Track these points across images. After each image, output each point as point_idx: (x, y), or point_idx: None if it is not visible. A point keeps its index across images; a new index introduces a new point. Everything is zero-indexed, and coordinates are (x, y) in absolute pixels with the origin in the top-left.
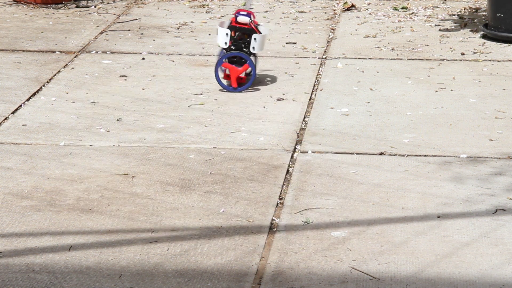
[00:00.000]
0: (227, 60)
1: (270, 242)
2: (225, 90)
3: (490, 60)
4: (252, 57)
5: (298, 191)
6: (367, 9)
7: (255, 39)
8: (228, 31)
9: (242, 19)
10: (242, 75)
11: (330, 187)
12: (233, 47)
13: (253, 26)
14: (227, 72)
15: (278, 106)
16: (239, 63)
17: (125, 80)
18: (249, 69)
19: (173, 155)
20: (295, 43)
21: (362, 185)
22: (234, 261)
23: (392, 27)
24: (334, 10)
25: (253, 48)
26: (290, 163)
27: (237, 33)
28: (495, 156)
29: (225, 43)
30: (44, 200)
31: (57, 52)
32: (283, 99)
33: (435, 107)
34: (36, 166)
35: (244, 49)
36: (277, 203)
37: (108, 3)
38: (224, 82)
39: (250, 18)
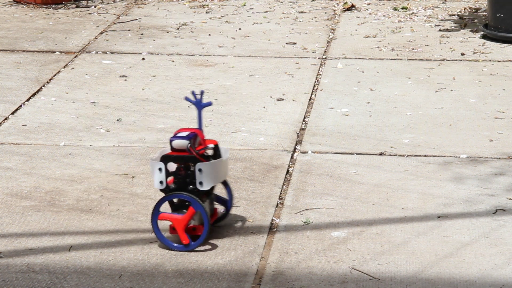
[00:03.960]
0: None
1: (270, 242)
2: (176, 249)
3: (490, 60)
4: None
5: (298, 191)
6: (367, 9)
7: (200, 170)
8: (162, 165)
9: (178, 143)
10: (195, 222)
11: (330, 187)
12: (173, 186)
13: (194, 151)
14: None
15: (278, 106)
16: (184, 207)
17: (125, 80)
18: (199, 213)
19: None
20: (295, 43)
21: (362, 185)
22: (234, 261)
23: (392, 27)
24: (334, 10)
25: (200, 183)
26: (290, 163)
27: (179, 165)
28: (495, 156)
29: (161, 182)
30: (44, 200)
31: (57, 52)
32: (283, 99)
33: (435, 107)
34: (36, 166)
35: (190, 186)
36: (277, 203)
37: (108, 3)
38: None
39: (190, 140)
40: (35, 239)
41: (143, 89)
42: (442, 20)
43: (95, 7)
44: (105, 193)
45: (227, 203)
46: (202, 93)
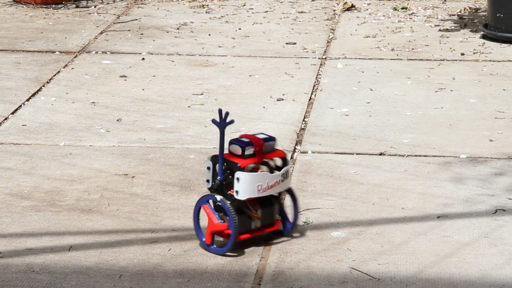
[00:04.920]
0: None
1: (270, 242)
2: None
3: (490, 61)
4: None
5: (298, 191)
6: (367, 9)
7: (237, 179)
8: (210, 164)
9: (233, 148)
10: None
11: (330, 187)
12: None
13: (239, 161)
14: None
15: (278, 106)
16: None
17: (125, 80)
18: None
19: (173, 155)
20: (295, 43)
21: (362, 185)
22: (234, 261)
23: (392, 27)
24: (334, 10)
25: (236, 192)
26: (290, 163)
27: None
28: (495, 156)
29: (207, 180)
30: (44, 200)
31: (57, 52)
32: (283, 99)
33: (435, 107)
34: (36, 166)
35: (228, 193)
36: None
37: (108, 3)
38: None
39: (245, 147)
40: (35, 239)
41: (143, 89)
42: (442, 20)
43: (95, 7)
44: (105, 193)
45: (287, 220)
46: (226, 114)
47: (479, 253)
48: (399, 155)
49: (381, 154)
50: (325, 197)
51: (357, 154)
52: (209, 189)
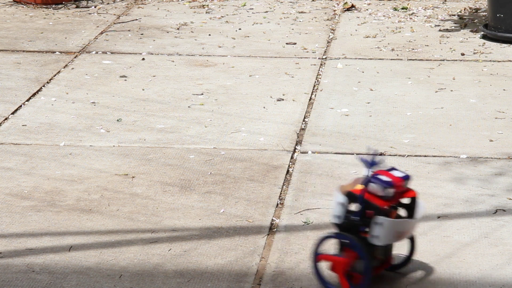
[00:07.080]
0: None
1: (270, 242)
2: None
3: (490, 61)
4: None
5: (298, 191)
6: (367, 10)
7: (380, 224)
8: (345, 200)
9: (374, 188)
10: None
11: (330, 187)
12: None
13: (380, 203)
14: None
15: (278, 106)
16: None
17: (125, 80)
18: (359, 262)
19: (173, 156)
20: (295, 44)
21: None
22: (234, 262)
23: (392, 27)
24: (334, 11)
25: (375, 237)
26: (290, 163)
27: (360, 207)
28: (495, 156)
29: (338, 217)
30: (44, 200)
31: (57, 53)
32: (283, 99)
33: (435, 108)
34: (36, 167)
35: (362, 232)
36: (277, 204)
37: (108, 3)
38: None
39: (385, 187)
40: (35, 239)
41: (143, 89)
42: (442, 20)
43: (95, 7)
44: (105, 193)
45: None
46: (375, 155)
47: (479, 253)
48: (399, 155)
49: (381, 154)
50: (325, 197)
51: (357, 154)
52: (336, 224)
